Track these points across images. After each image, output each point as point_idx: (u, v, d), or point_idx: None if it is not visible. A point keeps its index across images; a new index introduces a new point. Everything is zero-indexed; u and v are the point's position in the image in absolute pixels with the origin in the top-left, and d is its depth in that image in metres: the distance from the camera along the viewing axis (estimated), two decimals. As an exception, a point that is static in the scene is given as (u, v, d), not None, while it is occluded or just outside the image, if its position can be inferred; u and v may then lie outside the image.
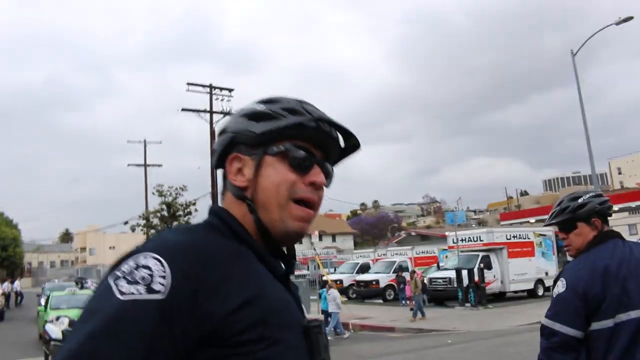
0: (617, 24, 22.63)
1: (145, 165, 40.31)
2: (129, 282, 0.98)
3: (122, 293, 0.97)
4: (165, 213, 33.62)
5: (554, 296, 2.63)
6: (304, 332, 1.15)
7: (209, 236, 1.13)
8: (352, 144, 1.34)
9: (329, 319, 16.65)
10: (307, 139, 1.24)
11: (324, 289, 17.72)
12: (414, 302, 19.43)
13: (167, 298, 0.97)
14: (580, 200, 2.80)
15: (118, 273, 1.01)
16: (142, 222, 35.51)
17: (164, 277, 0.99)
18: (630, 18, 22.34)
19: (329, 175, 1.30)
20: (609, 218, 2.81)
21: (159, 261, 1.00)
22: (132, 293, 0.97)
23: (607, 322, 2.46)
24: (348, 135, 1.31)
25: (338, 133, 1.29)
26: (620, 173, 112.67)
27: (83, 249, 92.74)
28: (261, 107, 1.26)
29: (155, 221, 34.24)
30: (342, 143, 1.31)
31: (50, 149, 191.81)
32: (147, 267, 1.00)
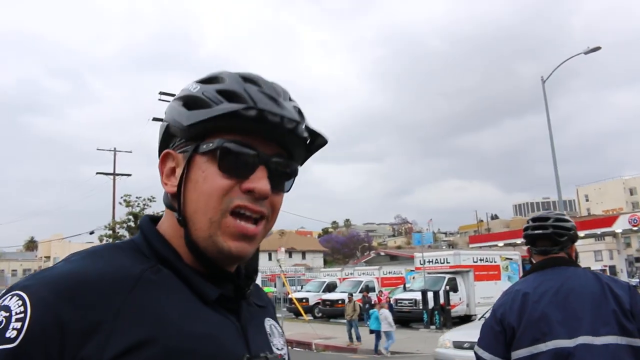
0: (586, 53, 23.03)
1: (115, 174, 39.66)
2: None
3: None
4: (132, 224, 33.05)
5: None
6: None
7: (111, 260, 0.92)
8: (318, 141, 1.08)
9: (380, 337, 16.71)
10: (250, 131, 0.98)
11: (375, 309, 17.60)
12: (346, 326, 18.73)
13: (20, 346, 0.79)
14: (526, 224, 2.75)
15: None
16: (109, 232, 34.89)
17: (21, 319, 0.81)
18: (598, 48, 22.77)
19: (289, 175, 1.05)
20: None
21: (22, 300, 0.83)
22: None
23: (522, 351, 2.36)
24: (310, 133, 1.05)
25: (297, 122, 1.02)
26: (587, 200, 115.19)
27: (47, 258, 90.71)
28: (195, 89, 1.02)
29: (122, 232, 33.70)
30: (303, 134, 1.02)
31: (17, 152, 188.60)
32: (6, 309, 0.83)
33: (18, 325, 0.80)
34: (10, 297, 0.84)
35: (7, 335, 0.80)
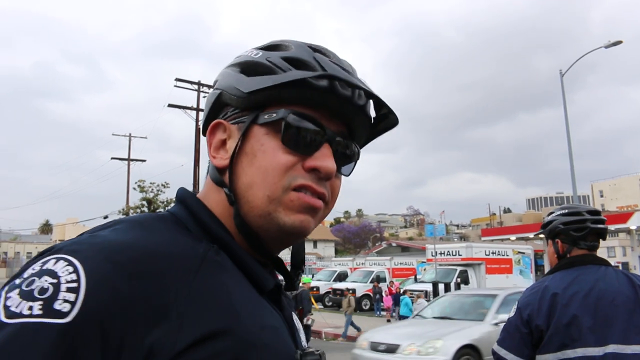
0: (607, 47, 22.73)
1: (129, 160, 39.98)
2: (22, 296, 0.66)
3: (8, 314, 0.64)
4: (145, 209, 33.23)
5: (506, 320, 2.44)
6: None
7: (165, 234, 0.81)
8: (386, 119, 0.98)
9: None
10: (317, 104, 0.89)
11: (405, 296, 18.85)
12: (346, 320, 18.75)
13: (73, 322, 0.64)
14: (549, 217, 2.61)
15: (17, 281, 0.69)
16: (122, 217, 35.17)
17: (73, 290, 0.66)
18: (620, 42, 22.45)
19: (350, 158, 0.96)
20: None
21: (72, 265, 0.68)
22: (21, 314, 0.64)
23: (548, 356, 2.26)
24: (380, 106, 0.96)
25: (368, 99, 0.94)
26: (602, 196, 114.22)
27: (62, 241, 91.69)
28: (257, 55, 0.93)
29: (135, 217, 33.85)
30: (372, 113, 0.95)
31: (34, 137, 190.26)
32: (52, 274, 0.67)
33: (71, 296, 0.65)
34: (54, 260, 0.70)
35: (57, 307, 0.64)
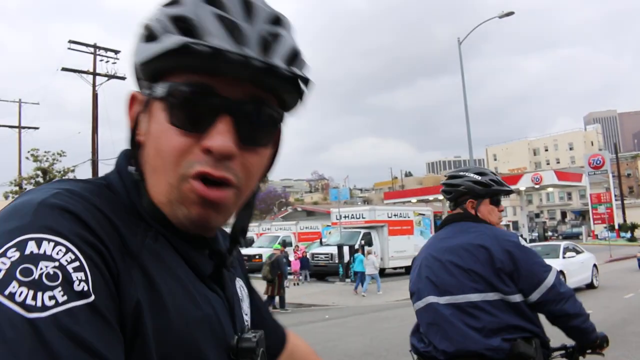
0: (500, 17, 23.79)
1: (20, 127, 37.54)
2: (30, 287, 0.60)
3: (27, 308, 0.59)
4: (40, 179, 31.55)
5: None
6: (229, 356, 0.84)
7: (115, 208, 0.76)
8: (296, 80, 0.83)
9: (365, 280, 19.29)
10: (213, 70, 0.76)
11: (358, 254, 20.53)
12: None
13: (98, 297, 0.64)
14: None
15: None
16: (15, 188, 33.19)
17: (80, 268, 0.64)
18: (512, 13, 23.58)
19: (266, 126, 0.82)
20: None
21: (61, 245, 0.64)
22: (45, 306, 0.60)
23: (415, 305, 2.74)
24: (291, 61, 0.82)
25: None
26: (495, 159, 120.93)
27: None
28: (153, 16, 0.81)
29: (30, 188, 32.11)
30: (286, 73, 0.79)
31: None
32: (48, 258, 0.63)
33: (81, 275, 0.64)
34: (33, 242, 0.63)
35: (77, 289, 0.63)
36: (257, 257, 28.08)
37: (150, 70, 0.80)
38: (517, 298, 2.42)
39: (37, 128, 38.48)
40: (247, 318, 1.01)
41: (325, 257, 24.60)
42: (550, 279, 2.43)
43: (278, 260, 16.21)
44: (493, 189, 2.73)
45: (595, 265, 18.00)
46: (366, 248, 21.71)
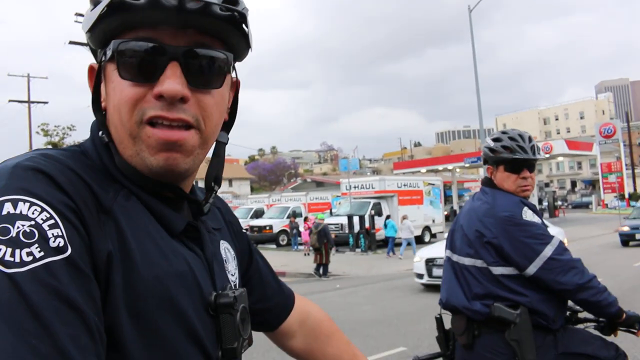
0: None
1: (29, 102, 37.53)
2: (8, 245, 0.64)
3: (7, 264, 0.63)
4: (51, 153, 31.74)
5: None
6: (208, 312, 0.88)
7: (85, 168, 0.81)
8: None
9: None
10: (152, 24, 0.82)
11: (390, 219, 21.64)
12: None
13: (74, 251, 0.69)
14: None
15: None
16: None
17: (55, 225, 0.68)
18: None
19: (214, 69, 0.86)
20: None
21: (35, 205, 0.68)
22: (24, 262, 0.64)
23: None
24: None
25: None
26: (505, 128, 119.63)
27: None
28: None
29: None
30: (222, 13, 0.84)
31: None
32: (23, 218, 0.67)
33: (57, 231, 0.68)
34: (9, 203, 0.67)
35: (53, 245, 0.67)
36: (267, 228, 28.27)
37: (98, 37, 0.85)
38: (499, 270, 2.50)
39: (46, 102, 38.48)
40: (233, 278, 1.04)
41: (336, 227, 24.69)
42: (547, 252, 2.43)
43: (325, 230, 17.12)
44: (501, 157, 2.68)
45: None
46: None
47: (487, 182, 2.77)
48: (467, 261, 2.60)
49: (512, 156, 2.67)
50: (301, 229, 24.56)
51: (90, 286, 0.69)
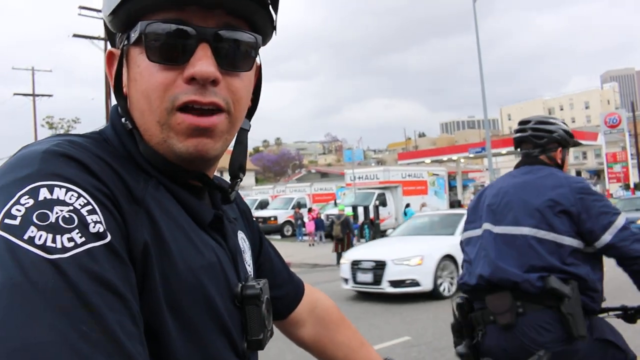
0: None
1: (34, 95, 37.59)
2: (48, 231, 0.63)
3: (49, 250, 0.62)
4: (56, 145, 31.80)
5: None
6: (234, 303, 0.88)
7: (105, 150, 0.79)
8: None
9: None
10: (179, 4, 0.79)
11: (409, 208, 21.98)
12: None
13: (114, 238, 0.68)
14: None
15: (8, 221, 0.63)
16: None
17: (93, 211, 0.67)
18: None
19: (244, 50, 0.84)
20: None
21: (72, 191, 0.67)
22: (65, 248, 0.63)
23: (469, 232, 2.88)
24: None
25: None
26: (509, 119, 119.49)
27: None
28: None
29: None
30: None
31: None
32: (62, 203, 0.65)
33: (96, 217, 0.67)
34: (45, 188, 0.66)
35: (93, 230, 0.66)
36: (272, 218, 28.34)
37: (121, 19, 0.82)
38: (568, 241, 2.46)
39: (50, 95, 38.54)
40: (249, 268, 1.03)
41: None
42: (620, 221, 2.48)
43: (347, 220, 17.97)
44: (576, 141, 2.86)
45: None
46: (421, 201, 23.71)
47: (539, 161, 2.78)
48: (526, 231, 2.53)
49: (577, 141, 2.87)
50: (305, 219, 24.63)
51: (129, 274, 0.69)
